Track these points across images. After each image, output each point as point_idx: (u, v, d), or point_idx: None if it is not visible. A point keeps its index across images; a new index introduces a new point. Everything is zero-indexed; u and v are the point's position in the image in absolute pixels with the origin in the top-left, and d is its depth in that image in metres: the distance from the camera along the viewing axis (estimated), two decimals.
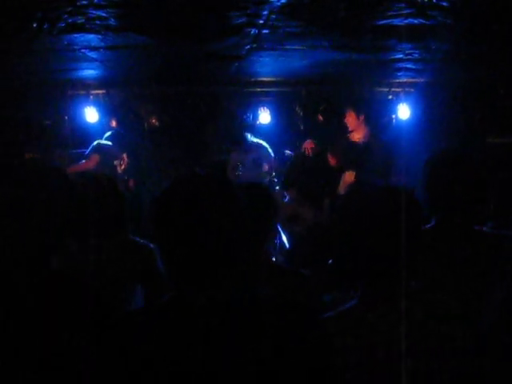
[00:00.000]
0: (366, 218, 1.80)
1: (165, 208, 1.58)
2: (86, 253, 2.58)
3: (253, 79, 7.65)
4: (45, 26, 3.78)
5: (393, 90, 8.00)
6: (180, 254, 1.56)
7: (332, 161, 6.10)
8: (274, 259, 5.78)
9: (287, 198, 6.39)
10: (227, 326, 1.53)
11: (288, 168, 6.78)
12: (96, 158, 6.77)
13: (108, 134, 7.26)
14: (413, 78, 7.49)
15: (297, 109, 8.22)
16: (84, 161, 6.86)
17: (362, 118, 6.31)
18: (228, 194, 1.61)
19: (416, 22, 3.77)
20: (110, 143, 7.06)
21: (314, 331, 1.58)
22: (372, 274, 1.80)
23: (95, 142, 6.97)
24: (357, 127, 6.29)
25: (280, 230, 5.54)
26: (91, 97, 7.87)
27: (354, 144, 6.11)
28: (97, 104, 7.78)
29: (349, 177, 5.89)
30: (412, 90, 7.94)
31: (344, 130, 6.39)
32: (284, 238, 5.49)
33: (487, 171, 2.55)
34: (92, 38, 4.33)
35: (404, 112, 7.84)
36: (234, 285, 1.59)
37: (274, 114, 8.07)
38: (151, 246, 2.81)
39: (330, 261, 4.60)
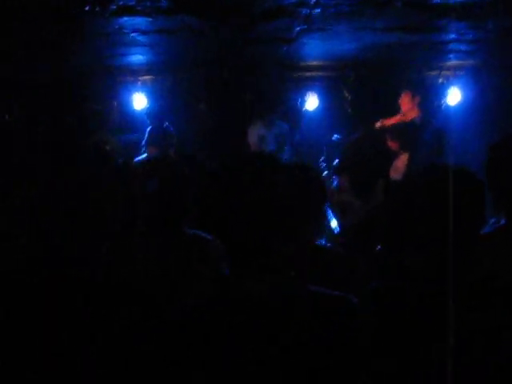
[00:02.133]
0: (422, 203, 1.73)
1: (209, 192, 1.57)
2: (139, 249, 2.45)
3: (301, 63, 7.58)
4: (97, 9, 3.80)
5: (443, 73, 7.81)
6: (225, 239, 1.55)
7: (392, 144, 5.99)
8: (323, 243, 5.75)
9: (335, 183, 6.31)
10: (269, 315, 1.50)
11: (342, 153, 6.66)
12: (152, 150, 6.66)
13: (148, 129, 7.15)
14: (464, 60, 7.30)
15: (345, 93, 8.12)
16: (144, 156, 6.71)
17: (417, 99, 6.22)
18: (275, 177, 1.58)
19: None
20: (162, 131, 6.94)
21: (350, 331, 1.54)
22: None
23: (148, 132, 6.89)
24: (411, 109, 6.20)
25: (329, 215, 5.47)
26: (139, 83, 7.91)
27: (410, 124, 6.01)
28: (145, 90, 7.82)
29: (401, 161, 5.79)
30: (463, 73, 7.75)
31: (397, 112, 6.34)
32: (333, 224, 5.42)
33: None
34: (142, 22, 4.34)
35: (455, 96, 7.67)
36: (281, 271, 1.57)
37: (321, 99, 7.99)
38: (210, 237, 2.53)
39: (379, 247, 4.54)
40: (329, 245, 5.37)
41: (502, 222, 2.19)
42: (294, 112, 8.04)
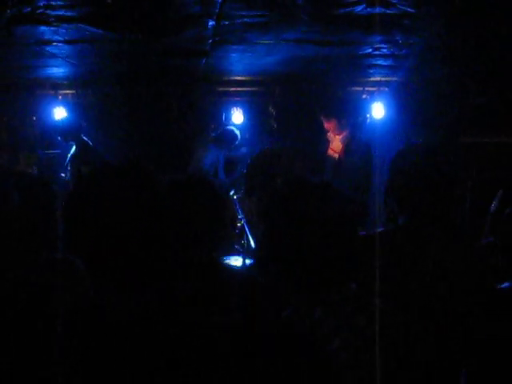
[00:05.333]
0: (298, 219, 1.65)
1: (74, 205, 1.48)
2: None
3: (225, 78, 7.52)
4: None
5: (367, 89, 7.88)
6: (93, 254, 1.45)
7: (328, 125, 6.01)
8: (241, 260, 5.67)
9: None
10: (137, 334, 1.42)
11: (246, 174, 6.62)
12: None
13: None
14: (386, 76, 7.38)
15: (270, 108, 8.09)
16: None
17: (343, 123, 6.22)
18: (145, 188, 1.49)
19: (377, 10, 3.65)
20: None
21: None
22: (307, 278, 1.67)
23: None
24: (339, 133, 6.19)
25: (247, 229, 5.41)
26: (60, 97, 7.68)
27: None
28: (66, 104, 7.59)
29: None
30: (386, 88, 7.85)
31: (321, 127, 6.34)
32: (251, 240, 5.34)
33: (459, 170, 2.40)
34: (45, 31, 4.17)
35: (378, 111, 7.74)
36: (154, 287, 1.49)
37: (247, 114, 7.93)
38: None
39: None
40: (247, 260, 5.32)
41: (400, 221, 2.32)
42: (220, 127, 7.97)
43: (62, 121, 7.12)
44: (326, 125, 6.15)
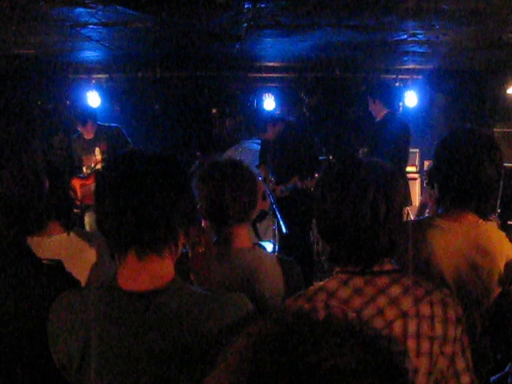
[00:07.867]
0: (348, 196, 1.65)
1: (102, 183, 1.51)
2: None
3: (257, 64, 7.52)
4: None
5: (400, 76, 7.82)
6: (117, 233, 1.48)
7: (373, 106, 5.96)
8: (272, 245, 5.67)
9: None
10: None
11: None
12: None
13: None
14: (420, 64, 7.32)
15: (302, 95, 8.06)
16: None
17: (378, 102, 6.11)
18: (170, 171, 1.51)
19: None
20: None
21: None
22: (352, 252, 1.67)
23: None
24: (378, 111, 6.11)
25: (278, 214, 5.38)
26: (93, 81, 7.75)
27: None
28: (99, 88, 7.66)
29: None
30: (420, 76, 7.79)
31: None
32: (282, 223, 5.32)
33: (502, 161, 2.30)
34: (81, 12, 4.20)
35: (411, 100, 7.70)
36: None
37: (278, 101, 7.91)
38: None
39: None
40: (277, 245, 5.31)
41: (440, 210, 2.29)
42: (250, 113, 7.98)
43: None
44: (372, 105, 6.05)
